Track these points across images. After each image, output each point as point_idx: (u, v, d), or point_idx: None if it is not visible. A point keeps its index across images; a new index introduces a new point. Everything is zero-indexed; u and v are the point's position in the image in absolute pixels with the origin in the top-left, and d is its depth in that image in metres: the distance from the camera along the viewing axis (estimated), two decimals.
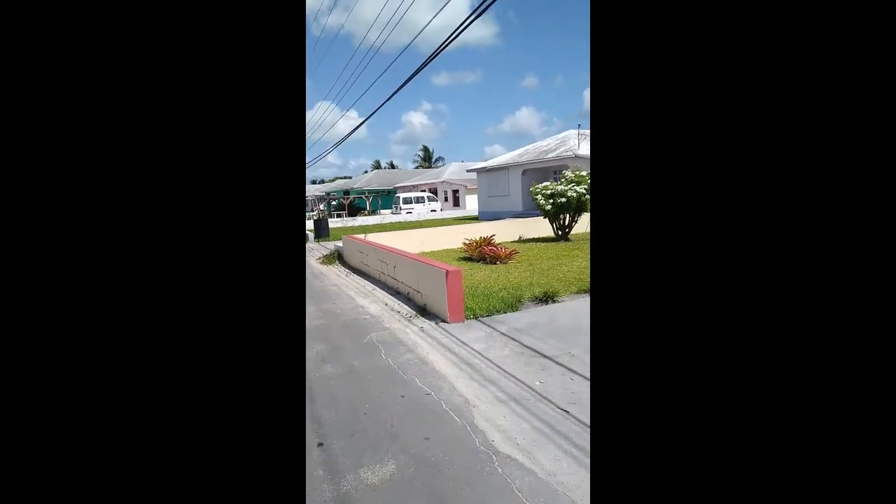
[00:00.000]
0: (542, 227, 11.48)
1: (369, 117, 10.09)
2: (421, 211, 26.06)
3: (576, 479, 2.17)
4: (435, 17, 7.04)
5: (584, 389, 3.04)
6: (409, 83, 6.97)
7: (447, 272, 4.78)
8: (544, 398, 2.99)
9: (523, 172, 18.67)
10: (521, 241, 11.03)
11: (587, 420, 2.62)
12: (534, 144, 21.05)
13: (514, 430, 2.63)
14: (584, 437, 2.49)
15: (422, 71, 6.36)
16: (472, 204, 26.68)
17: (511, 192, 19.38)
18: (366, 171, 54.63)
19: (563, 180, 10.06)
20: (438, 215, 24.49)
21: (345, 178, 56.63)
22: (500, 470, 2.29)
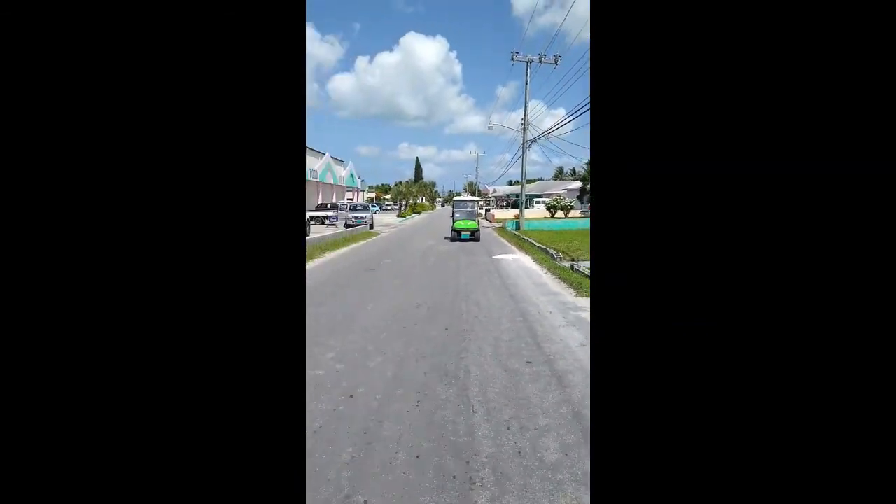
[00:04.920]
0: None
1: (568, 121, 20.21)
2: (542, 208, 50.49)
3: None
4: None
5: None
6: None
7: (493, 213, 31.05)
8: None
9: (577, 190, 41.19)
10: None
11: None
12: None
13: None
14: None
15: None
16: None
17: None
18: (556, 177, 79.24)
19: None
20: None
21: (537, 180, 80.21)
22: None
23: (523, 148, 20.67)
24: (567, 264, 9.77)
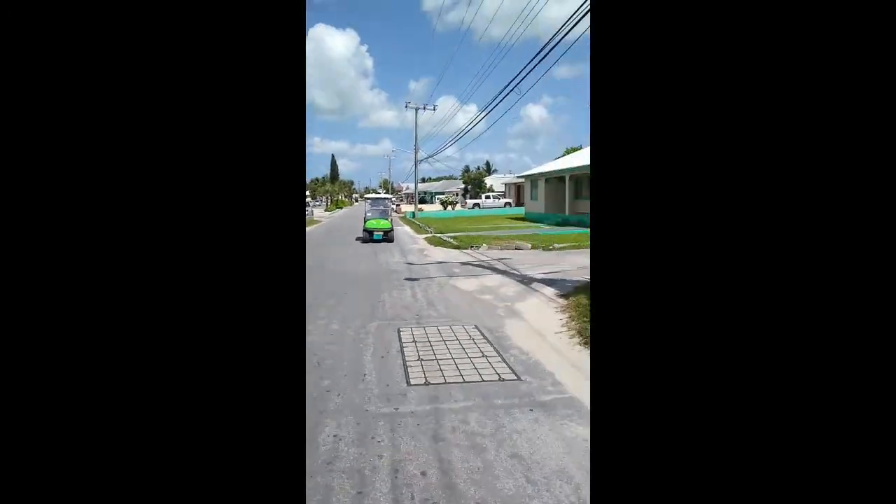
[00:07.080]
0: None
1: (486, 114, 15.88)
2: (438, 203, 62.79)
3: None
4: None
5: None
6: (528, 76, 10.09)
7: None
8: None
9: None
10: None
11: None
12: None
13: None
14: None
15: (542, 64, 7.61)
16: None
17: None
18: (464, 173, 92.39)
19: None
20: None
21: (447, 178, 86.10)
22: None
23: (415, 163, 32.58)
24: (423, 227, 21.70)
